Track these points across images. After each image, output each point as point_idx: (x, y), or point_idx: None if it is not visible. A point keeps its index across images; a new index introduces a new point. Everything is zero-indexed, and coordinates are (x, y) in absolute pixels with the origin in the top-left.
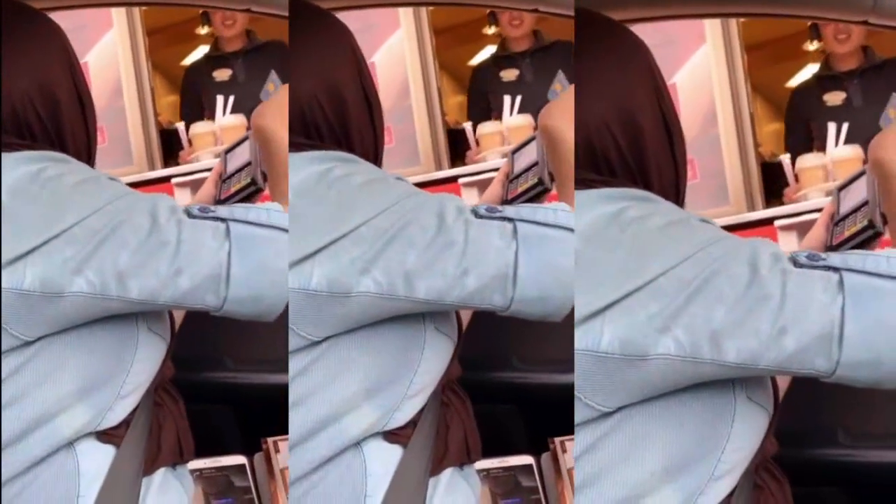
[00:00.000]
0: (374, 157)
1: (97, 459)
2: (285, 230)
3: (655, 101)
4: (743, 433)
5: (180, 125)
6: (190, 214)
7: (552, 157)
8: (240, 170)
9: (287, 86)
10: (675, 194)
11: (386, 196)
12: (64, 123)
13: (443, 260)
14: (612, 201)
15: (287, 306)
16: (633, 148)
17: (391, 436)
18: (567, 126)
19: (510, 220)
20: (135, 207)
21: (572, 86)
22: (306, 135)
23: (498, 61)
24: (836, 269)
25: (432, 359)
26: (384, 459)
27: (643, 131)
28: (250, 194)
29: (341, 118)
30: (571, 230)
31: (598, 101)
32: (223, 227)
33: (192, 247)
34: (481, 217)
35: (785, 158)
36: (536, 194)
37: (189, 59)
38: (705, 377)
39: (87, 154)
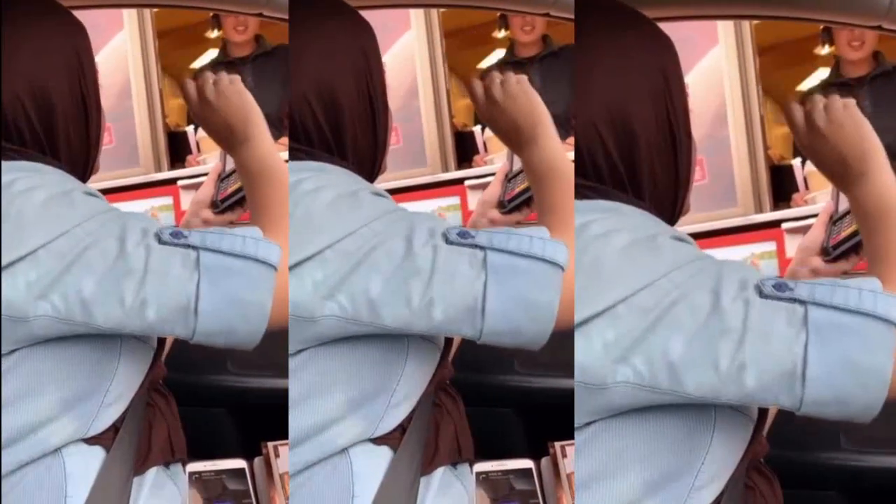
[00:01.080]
0: (371, 163)
1: (85, 461)
2: (259, 261)
3: (662, 105)
4: (724, 442)
5: (189, 128)
6: (160, 240)
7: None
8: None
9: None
10: (672, 206)
11: (354, 217)
12: (58, 130)
13: (408, 289)
14: (577, 215)
15: (265, 334)
16: (625, 154)
17: (379, 439)
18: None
19: (481, 248)
20: (103, 230)
21: None
22: (297, 139)
23: (505, 66)
24: (802, 302)
25: (416, 366)
26: (372, 461)
27: (637, 138)
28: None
29: (333, 122)
30: (545, 260)
31: (590, 100)
32: (194, 255)
33: (159, 276)
34: (451, 243)
35: (796, 162)
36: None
37: (199, 63)
38: (670, 402)
39: (83, 164)
